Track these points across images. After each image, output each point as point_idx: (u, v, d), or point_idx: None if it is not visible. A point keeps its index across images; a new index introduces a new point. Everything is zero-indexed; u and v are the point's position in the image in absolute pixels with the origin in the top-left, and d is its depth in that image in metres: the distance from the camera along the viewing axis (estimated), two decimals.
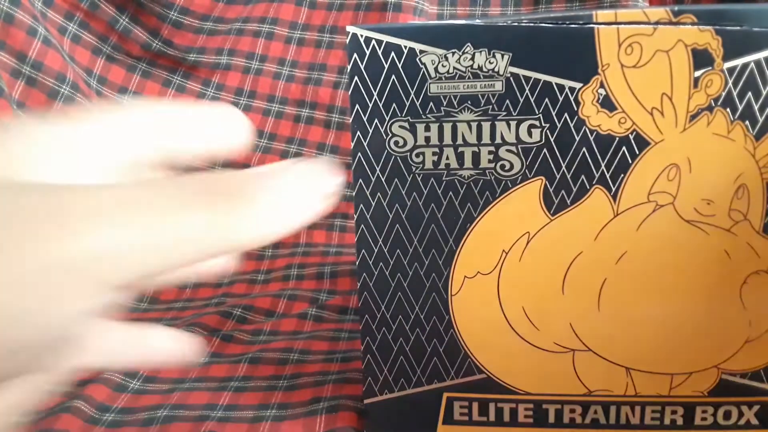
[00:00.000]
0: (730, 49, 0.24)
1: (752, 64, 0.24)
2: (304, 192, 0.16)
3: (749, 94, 0.24)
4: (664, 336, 0.27)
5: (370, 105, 0.26)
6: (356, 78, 0.25)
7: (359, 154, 0.26)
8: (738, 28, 0.24)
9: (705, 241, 0.26)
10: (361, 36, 0.25)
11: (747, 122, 0.24)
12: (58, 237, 0.12)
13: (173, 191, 0.14)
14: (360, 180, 0.26)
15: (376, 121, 0.26)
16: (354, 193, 0.27)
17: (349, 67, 0.25)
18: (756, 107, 0.24)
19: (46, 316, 0.13)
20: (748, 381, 0.27)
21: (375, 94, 0.26)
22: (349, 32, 0.25)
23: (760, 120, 0.24)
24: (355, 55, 0.25)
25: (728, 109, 0.24)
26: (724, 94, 0.24)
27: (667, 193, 0.25)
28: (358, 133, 0.26)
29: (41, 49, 0.39)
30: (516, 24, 0.25)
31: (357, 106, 0.26)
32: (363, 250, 0.27)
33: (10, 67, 0.39)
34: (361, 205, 0.27)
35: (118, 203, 0.13)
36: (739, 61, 0.24)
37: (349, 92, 0.26)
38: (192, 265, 0.16)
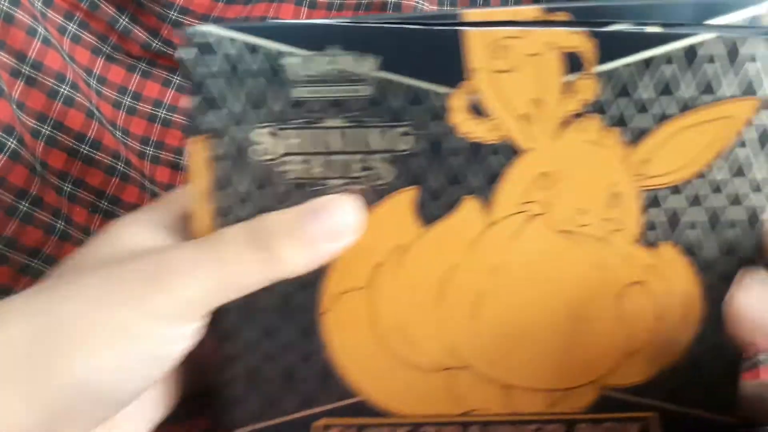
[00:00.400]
0: (603, 52, 0.23)
1: (626, 67, 0.23)
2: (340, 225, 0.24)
3: (623, 99, 0.23)
4: (542, 351, 0.26)
5: (229, 111, 0.24)
6: (210, 81, 0.23)
7: (218, 164, 0.24)
8: (612, 29, 0.23)
9: (579, 251, 0.25)
10: (214, 35, 0.23)
11: (621, 128, 0.24)
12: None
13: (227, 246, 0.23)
14: (220, 192, 0.24)
15: (235, 128, 0.24)
16: (214, 208, 0.24)
17: (202, 70, 0.23)
18: (629, 113, 0.24)
19: None
20: (629, 396, 0.26)
21: (233, 99, 0.24)
22: (197, 31, 0.23)
23: (635, 126, 0.24)
24: (208, 56, 0.23)
25: (601, 115, 0.24)
26: (596, 99, 0.23)
27: (540, 202, 0.24)
28: (216, 141, 0.24)
29: (41, 49, 0.39)
30: (383, 25, 0.23)
31: (213, 111, 0.24)
32: None
33: (10, 67, 0.39)
34: (221, 220, 0.25)
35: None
36: (612, 65, 0.23)
37: (203, 97, 0.23)
38: None
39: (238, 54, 0.23)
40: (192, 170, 0.25)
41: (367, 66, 0.23)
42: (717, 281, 0.25)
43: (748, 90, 0.23)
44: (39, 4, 0.40)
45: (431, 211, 0.24)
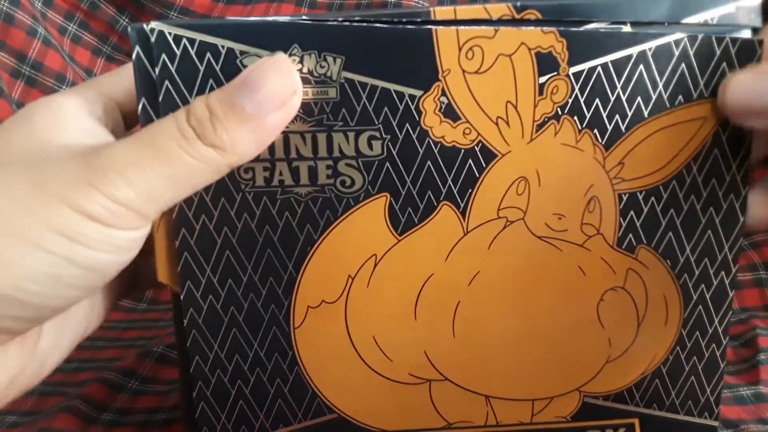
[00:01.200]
0: (575, 52, 0.22)
1: (599, 68, 0.23)
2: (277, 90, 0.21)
3: (597, 100, 0.23)
4: (522, 360, 0.25)
5: None
6: (167, 83, 0.22)
7: None
8: (583, 30, 0.22)
9: (558, 257, 0.24)
10: (170, 34, 0.22)
11: (595, 131, 0.23)
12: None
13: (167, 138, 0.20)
14: (180, 202, 0.23)
15: None
16: (173, 217, 0.23)
17: (157, 71, 0.22)
18: (604, 115, 0.23)
19: None
20: (611, 403, 0.26)
21: (190, 101, 0.22)
22: (153, 29, 0.21)
23: (609, 128, 0.23)
24: (164, 56, 0.22)
25: (576, 117, 0.23)
26: (570, 101, 0.23)
27: (517, 208, 0.24)
28: None
29: (41, 49, 0.39)
30: (347, 23, 0.22)
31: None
32: (188, 282, 0.24)
33: (10, 67, 0.39)
34: (183, 230, 0.23)
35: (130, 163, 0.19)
36: (585, 66, 0.23)
37: (159, 99, 0.22)
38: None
39: (197, 54, 0.22)
40: None
41: (330, 67, 0.22)
42: (695, 284, 0.25)
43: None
44: (39, 4, 0.40)
45: (405, 219, 0.23)
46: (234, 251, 0.23)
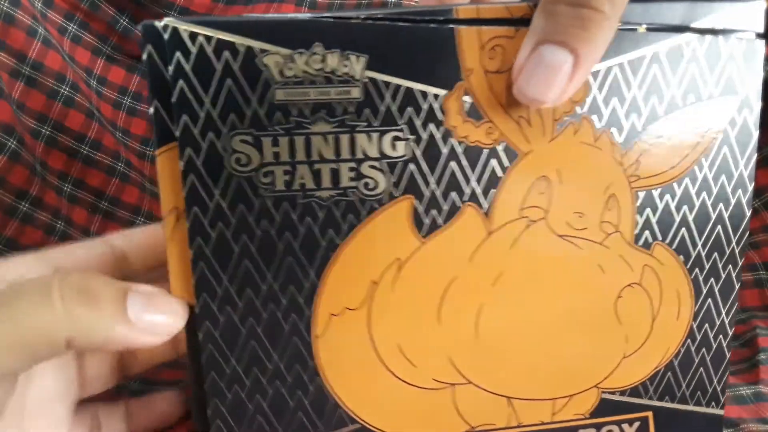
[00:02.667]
0: None
1: (616, 68, 0.23)
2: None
3: (614, 99, 0.23)
4: (544, 360, 0.25)
5: (202, 116, 0.21)
6: (181, 82, 0.21)
7: (192, 176, 0.21)
8: None
9: (579, 256, 0.24)
10: (185, 31, 0.20)
11: (613, 129, 0.23)
12: None
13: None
14: (195, 208, 0.22)
15: (210, 135, 0.21)
16: (188, 226, 0.22)
17: (171, 70, 0.21)
18: (621, 113, 0.23)
19: None
20: (627, 398, 0.26)
21: (207, 102, 0.21)
22: (167, 26, 0.20)
23: (626, 127, 0.23)
24: (179, 54, 0.20)
25: (594, 116, 0.23)
26: (589, 100, 0.23)
27: (539, 207, 0.24)
28: (189, 150, 0.21)
29: (41, 49, 0.39)
30: (370, 21, 0.21)
31: (184, 117, 0.21)
32: (204, 294, 0.22)
33: (10, 68, 0.39)
34: (199, 239, 0.22)
35: None
36: (602, 65, 0.23)
37: (173, 100, 0.21)
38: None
39: (214, 52, 0.21)
40: (161, 185, 0.22)
41: (353, 65, 0.22)
42: (705, 278, 0.25)
43: (729, 90, 0.24)
44: (39, 4, 0.40)
45: (429, 221, 0.23)
46: (253, 259, 0.22)
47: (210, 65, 0.21)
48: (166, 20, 0.20)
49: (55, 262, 0.25)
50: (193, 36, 0.20)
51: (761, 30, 0.24)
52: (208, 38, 0.20)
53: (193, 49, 0.20)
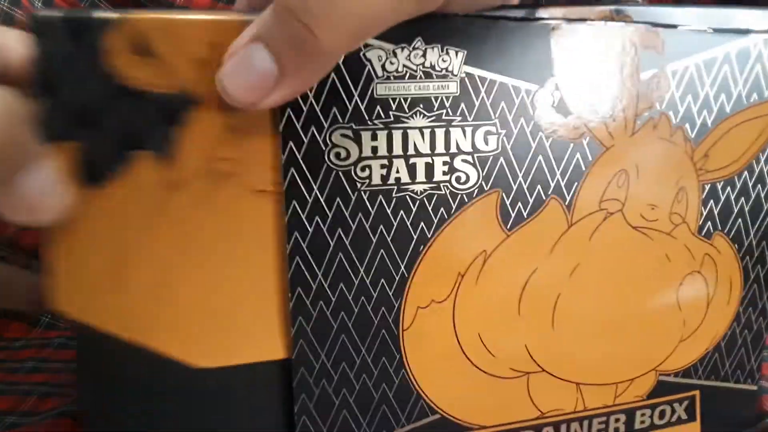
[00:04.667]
0: (673, 50, 0.23)
1: (692, 67, 0.24)
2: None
3: (689, 97, 0.24)
4: (611, 346, 0.26)
5: (305, 109, 0.21)
6: None
7: (292, 170, 0.21)
8: (679, 28, 0.23)
9: (649, 246, 0.25)
10: None
11: (687, 125, 0.24)
12: None
13: None
14: (294, 202, 0.21)
15: (312, 129, 0.21)
16: (286, 219, 0.21)
17: None
18: (695, 110, 0.24)
19: None
20: (680, 379, 0.27)
21: (311, 96, 0.20)
22: None
23: (698, 123, 0.24)
24: None
25: (671, 113, 0.24)
26: (668, 97, 0.24)
27: (617, 200, 0.24)
28: (291, 144, 0.21)
29: None
30: (469, 17, 0.21)
31: (288, 110, 0.20)
32: (299, 289, 0.22)
33: None
34: (296, 233, 0.21)
35: None
36: (681, 64, 0.24)
37: None
38: None
39: None
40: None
41: (452, 60, 0.21)
42: (754, 265, 0.27)
43: None
44: (39, 4, 0.38)
45: (515, 214, 0.23)
46: (347, 254, 0.22)
47: None
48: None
49: None
50: None
51: None
52: None
53: None
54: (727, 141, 0.25)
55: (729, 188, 0.26)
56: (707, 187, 0.25)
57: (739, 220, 0.26)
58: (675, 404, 0.28)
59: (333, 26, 0.17)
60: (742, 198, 0.26)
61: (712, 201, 0.26)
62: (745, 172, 0.26)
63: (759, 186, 0.26)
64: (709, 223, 0.26)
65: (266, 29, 0.18)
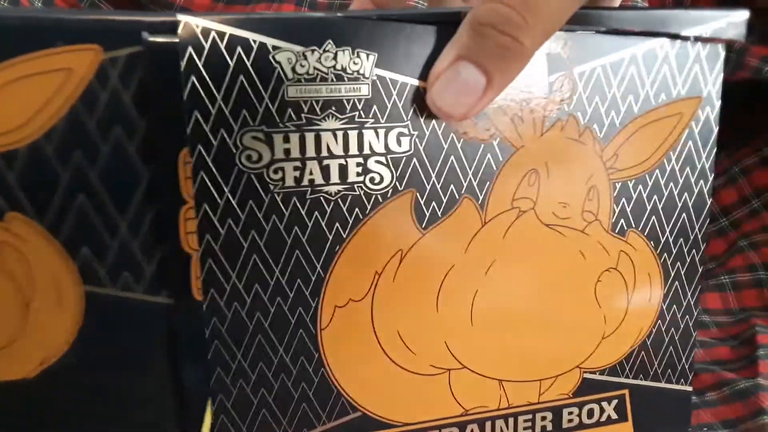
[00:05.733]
0: (580, 53, 0.24)
1: (599, 68, 0.25)
2: None
3: (597, 98, 0.25)
4: (531, 343, 0.26)
5: (214, 112, 0.21)
6: (193, 78, 0.20)
7: (202, 173, 0.21)
8: (587, 31, 0.24)
9: (563, 243, 0.26)
10: (197, 26, 0.20)
11: (595, 126, 0.25)
12: None
13: None
14: (204, 205, 0.21)
15: (222, 131, 0.21)
16: (197, 222, 0.22)
17: (182, 65, 0.20)
18: (603, 111, 0.25)
19: None
20: (606, 377, 0.28)
21: (219, 98, 0.21)
22: (179, 21, 0.20)
23: (606, 123, 0.25)
24: (191, 49, 0.20)
25: (579, 114, 0.25)
26: (575, 98, 0.25)
27: (529, 198, 0.25)
28: (199, 147, 0.21)
29: None
30: (380, 20, 0.22)
31: (196, 113, 0.21)
32: (212, 290, 0.22)
33: None
34: (207, 236, 0.22)
35: None
36: (587, 66, 0.25)
37: (185, 96, 0.21)
38: None
39: (227, 48, 0.21)
40: None
41: (363, 63, 0.22)
42: (672, 262, 0.28)
43: (694, 89, 0.26)
44: (39, 4, 0.38)
45: (429, 213, 0.24)
46: (261, 255, 0.22)
47: (223, 61, 0.21)
48: (179, 16, 0.20)
49: None
50: (206, 31, 0.20)
51: (738, 39, 0.26)
52: (221, 34, 0.20)
53: (206, 45, 0.20)
54: (637, 141, 0.26)
55: (641, 186, 0.26)
56: (618, 186, 0.26)
57: (653, 217, 0.27)
58: (603, 403, 0.28)
59: (534, 30, 0.21)
60: (655, 196, 0.27)
61: (624, 199, 0.26)
62: (657, 171, 0.27)
63: (671, 184, 0.27)
64: (623, 220, 0.27)
65: (467, 47, 0.21)
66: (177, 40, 0.20)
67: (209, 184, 0.21)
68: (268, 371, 0.24)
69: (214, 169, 0.21)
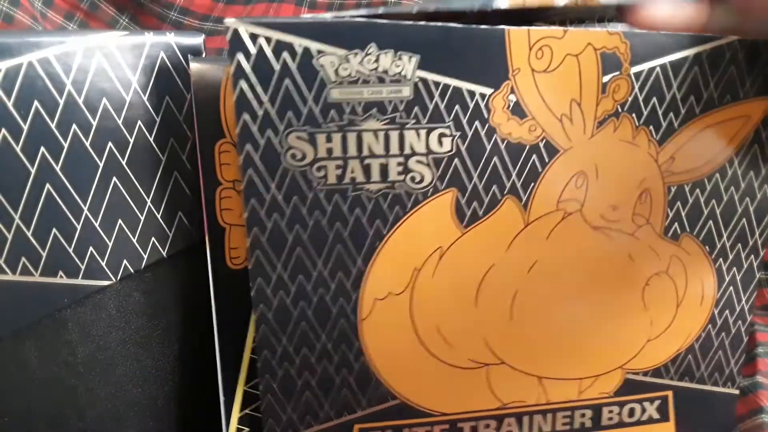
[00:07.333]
0: (637, 53, 0.23)
1: (658, 68, 0.24)
2: None
3: (654, 99, 0.24)
4: (573, 342, 0.26)
5: (260, 114, 0.22)
6: (242, 82, 0.22)
7: (250, 170, 0.23)
8: (645, 32, 0.23)
9: (610, 246, 0.25)
10: (246, 32, 0.21)
11: (651, 127, 0.24)
12: None
13: None
14: (252, 200, 0.23)
15: (269, 131, 0.22)
16: (246, 216, 0.23)
17: (232, 70, 0.21)
18: (660, 112, 0.24)
19: None
20: (649, 378, 0.28)
21: (266, 100, 0.22)
22: (229, 27, 0.21)
23: (664, 125, 0.24)
24: (240, 54, 0.21)
25: (633, 115, 0.24)
26: (630, 99, 0.24)
27: (575, 200, 0.25)
28: (248, 146, 0.22)
29: None
30: (424, 23, 0.22)
31: (244, 115, 0.22)
32: (259, 279, 0.24)
33: None
34: (255, 229, 0.23)
35: None
36: (645, 66, 0.24)
37: (234, 99, 0.22)
38: None
39: (273, 53, 0.21)
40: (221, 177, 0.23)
41: (406, 66, 0.22)
42: (728, 268, 0.27)
43: (763, 91, 0.25)
44: (39, 4, 0.40)
45: (470, 212, 0.24)
46: (305, 248, 0.24)
47: (269, 65, 0.21)
48: (227, 21, 0.21)
49: None
50: (254, 37, 0.21)
51: None
52: (268, 39, 0.21)
53: (253, 50, 0.21)
54: (697, 143, 0.25)
55: (698, 190, 0.25)
56: (674, 189, 0.25)
57: (710, 222, 0.26)
58: (645, 403, 0.28)
59: None
60: (713, 200, 0.26)
61: (679, 203, 0.25)
62: (717, 175, 0.25)
63: (732, 188, 0.26)
64: (677, 224, 0.26)
65: None
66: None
67: (257, 181, 0.23)
68: (311, 356, 0.25)
69: (261, 167, 0.22)
